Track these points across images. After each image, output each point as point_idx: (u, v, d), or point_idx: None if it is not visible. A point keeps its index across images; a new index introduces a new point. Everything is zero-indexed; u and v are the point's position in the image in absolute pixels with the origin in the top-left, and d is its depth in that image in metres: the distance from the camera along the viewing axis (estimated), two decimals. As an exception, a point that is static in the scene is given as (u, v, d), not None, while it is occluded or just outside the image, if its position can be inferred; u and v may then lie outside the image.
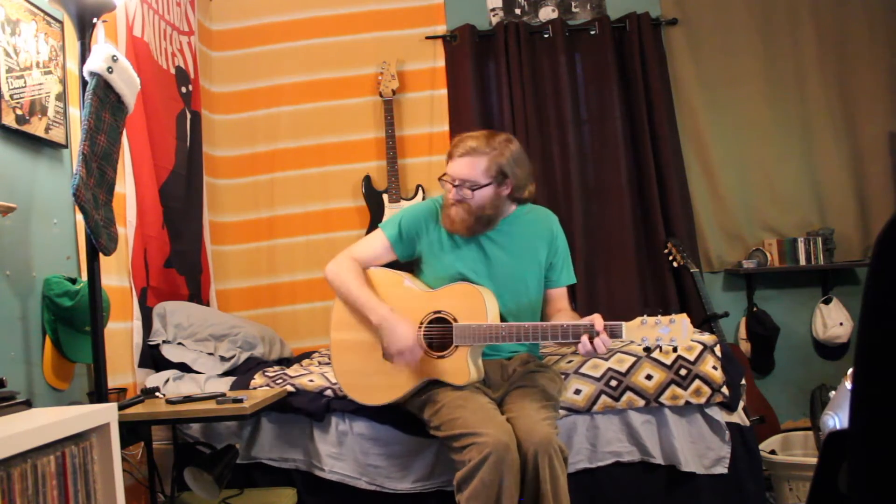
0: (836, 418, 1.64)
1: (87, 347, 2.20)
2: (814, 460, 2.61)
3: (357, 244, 2.41)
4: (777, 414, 3.47)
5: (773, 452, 3.01)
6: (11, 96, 2.14)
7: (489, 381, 2.28)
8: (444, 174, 2.27)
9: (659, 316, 1.99)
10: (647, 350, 2.06)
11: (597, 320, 2.03)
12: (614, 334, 2.02)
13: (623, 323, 2.02)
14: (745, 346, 3.70)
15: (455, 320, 2.18)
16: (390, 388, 2.26)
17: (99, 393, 2.07)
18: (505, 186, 2.25)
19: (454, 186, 2.23)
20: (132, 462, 2.51)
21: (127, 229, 2.77)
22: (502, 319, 2.22)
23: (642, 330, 2.00)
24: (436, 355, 2.19)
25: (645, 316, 2.00)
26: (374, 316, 2.20)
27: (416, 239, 2.34)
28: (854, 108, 3.77)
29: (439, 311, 2.20)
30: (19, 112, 2.17)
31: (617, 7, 3.88)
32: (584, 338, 2.02)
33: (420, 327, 2.21)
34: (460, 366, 2.16)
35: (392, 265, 2.38)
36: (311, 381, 2.59)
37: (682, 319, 1.98)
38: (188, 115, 3.47)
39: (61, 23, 2.42)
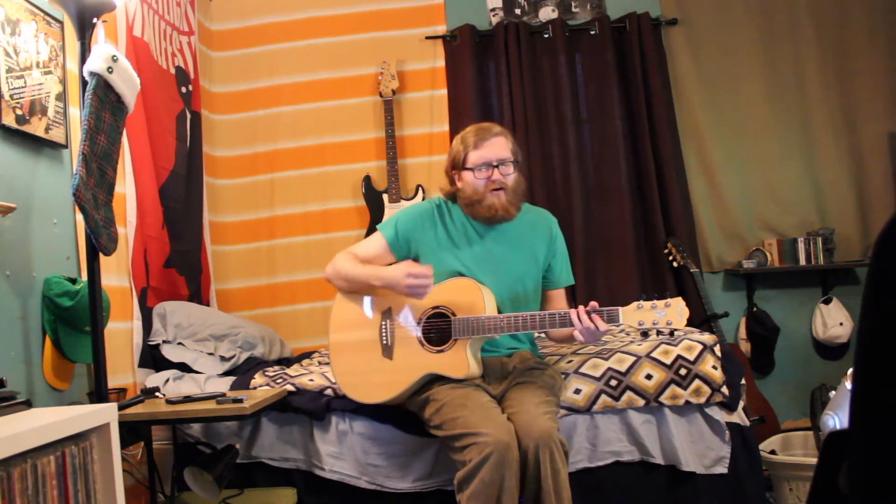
0: (836, 418, 1.64)
1: (87, 347, 2.20)
2: (814, 460, 2.60)
3: (355, 246, 2.42)
4: (777, 414, 3.47)
5: (773, 452, 3.01)
6: (11, 96, 2.14)
7: (489, 378, 2.28)
8: (471, 164, 2.26)
9: (654, 300, 2.02)
10: (645, 334, 2.09)
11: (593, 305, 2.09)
12: (612, 319, 2.06)
13: (619, 308, 2.06)
14: (745, 346, 3.71)
15: (453, 314, 2.19)
16: (390, 384, 2.26)
17: (99, 393, 2.07)
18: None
19: (493, 167, 2.25)
20: (132, 462, 2.51)
21: (127, 229, 2.78)
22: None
23: (639, 314, 2.04)
24: (435, 349, 2.20)
25: (641, 300, 2.03)
26: (376, 281, 2.22)
27: (412, 240, 2.35)
28: (854, 108, 3.77)
29: (438, 306, 2.21)
30: (19, 112, 2.17)
31: (617, 7, 3.88)
32: (574, 315, 2.06)
33: (419, 322, 2.23)
34: (460, 359, 2.17)
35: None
36: (312, 380, 2.59)
37: (678, 302, 2.03)
38: (188, 115, 3.47)
39: (61, 23, 2.42)
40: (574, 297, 3.59)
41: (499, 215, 2.27)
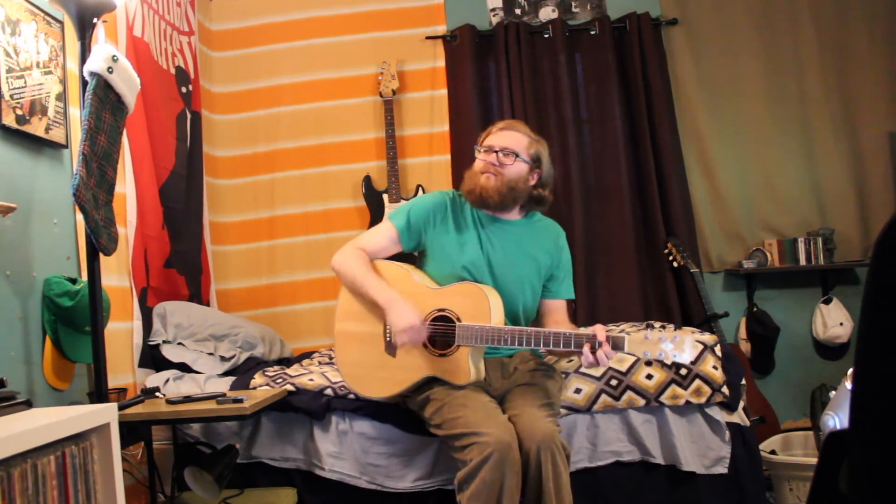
0: (836, 418, 1.64)
1: (87, 347, 2.20)
2: (814, 460, 2.61)
3: (364, 235, 2.40)
4: (777, 414, 3.47)
5: (773, 452, 3.01)
6: (11, 96, 2.14)
7: (490, 378, 2.28)
8: (480, 146, 2.35)
9: (663, 331, 1.96)
10: (649, 364, 2.04)
11: (599, 331, 1.99)
12: (616, 347, 1.97)
13: (625, 336, 1.97)
14: (745, 346, 3.70)
15: (458, 319, 2.17)
16: (392, 381, 2.26)
17: (99, 393, 2.07)
18: (534, 174, 2.34)
19: (494, 153, 2.30)
20: (132, 462, 2.51)
21: (127, 229, 2.77)
22: None
23: (645, 344, 1.95)
24: (437, 353, 2.19)
25: (648, 330, 1.96)
26: (381, 298, 2.19)
27: (423, 230, 2.34)
28: (854, 108, 3.77)
29: (443, 309, 2.20)
30: (19, 112, 2.17)
31: (617, 7, 3.88)
32: (587, 348, 1.98)
33: (424, 323, 2.21)
34: (461, 365, 2.16)
35: (396, 257, 2.38)
36: (312, 380, 2.59)
37: (686, 336, 1.93)
38: (188, 115, 3.47)
39: (61, 23, 2.42)
40: (574, 298, 3.59)
41: (482, 196, 2.29)
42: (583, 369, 2.48)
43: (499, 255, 2.31)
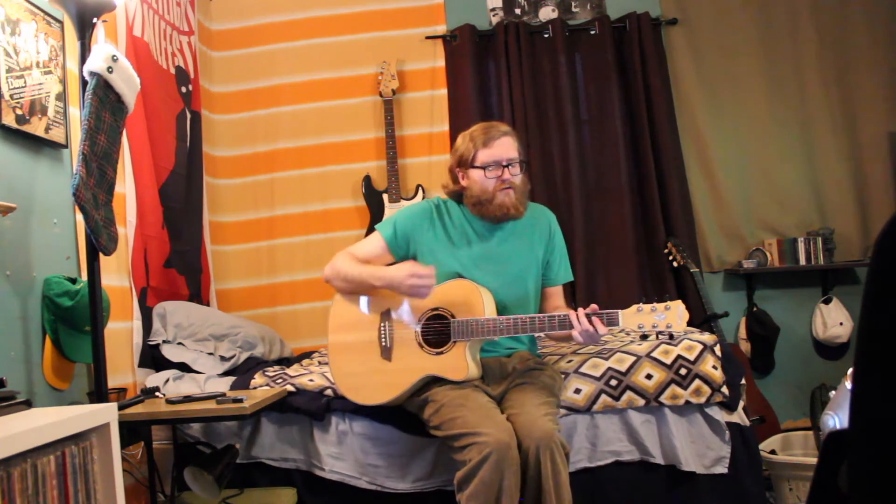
0: (836, 418, 1.64)
1: (87, 347, 2.20)
2: (814, 460, 2.61)
3: (354, 246, 2.41)
4: (777, 414, 3.47)
5: (773, 452, 3.01)
6: (11, 96, 2.14)
7: (488, 378, 2.28)
8: (479, 164, 2.25)
9: (654, 303, 2.02)
10: (644, 337, 2.09)
11: (592, 308, 2.08)
12: (611, 322, 2.06)
13: (619, 311, 2.06)
14: (745, 346, 3.71)
15: (452, 316, 2.18)
16: (389, 386, 2.26)
17: (99, 393, 2.07)
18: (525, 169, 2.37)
19: (502, 167, 2.25)
20: (132, 462, 2.51)
21: (127, 229, 2.78)
22: (500, 315, 2.23)
23: (638, 317, 2.04)
24: (434, 352, 2.20)
25: (641, 304, 2.04)
26: (377, 281, 2.20)
27: (410, 239, 2.35)
28: (854, 108, 3.77)
29: (436, 308, 2.21)
30: (19, 112, 2.17)
31: (617, 7, 3.88)
32: (573, 317, 2.05)
33: (418, 323, 2.22)
34: (459, 362, 2.17)
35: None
36: (312, 380, 2.59)
37: (678, 306, 2.03)
38: (188, 115, 3.47)
39: (61, 23, 2.42)
40: (574, 297, 3.60)
41: (509, 213, 2.27)
42: (582, 369, 2.48)
43: (495, 257, 2.31)
